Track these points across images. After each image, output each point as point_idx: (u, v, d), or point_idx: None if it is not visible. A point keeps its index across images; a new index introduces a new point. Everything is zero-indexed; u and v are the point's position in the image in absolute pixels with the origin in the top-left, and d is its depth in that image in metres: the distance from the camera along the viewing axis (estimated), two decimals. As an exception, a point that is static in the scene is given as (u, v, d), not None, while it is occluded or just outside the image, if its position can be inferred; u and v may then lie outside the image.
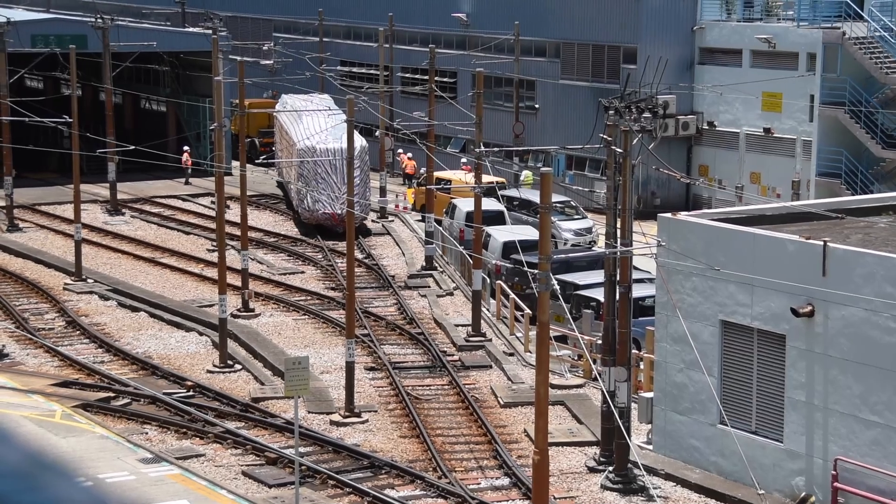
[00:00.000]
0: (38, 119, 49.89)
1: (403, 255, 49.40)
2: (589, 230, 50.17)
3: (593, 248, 46.91)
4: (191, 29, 68.83)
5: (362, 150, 50.85)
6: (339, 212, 50.72)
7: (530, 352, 36.16)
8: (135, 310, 41.93)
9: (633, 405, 29.06)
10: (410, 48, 68.21)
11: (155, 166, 60.09)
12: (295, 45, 70.61)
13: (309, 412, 32.22)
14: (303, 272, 47.21)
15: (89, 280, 45.10)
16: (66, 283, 44.96)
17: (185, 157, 62.17)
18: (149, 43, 60.99)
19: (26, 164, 61.24)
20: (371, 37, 68.07)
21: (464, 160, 59.51)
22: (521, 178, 56.31)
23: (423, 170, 54.70)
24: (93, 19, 58.28)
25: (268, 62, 63.25)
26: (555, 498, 26.44)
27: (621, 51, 58.30)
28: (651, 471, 27.57)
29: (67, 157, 51.43)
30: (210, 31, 60.68)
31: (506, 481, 27.80)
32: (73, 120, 46.34)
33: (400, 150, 64.75)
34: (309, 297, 43.54)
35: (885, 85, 49.93)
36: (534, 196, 47.67)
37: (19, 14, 66.74)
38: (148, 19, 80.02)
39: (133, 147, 48.44)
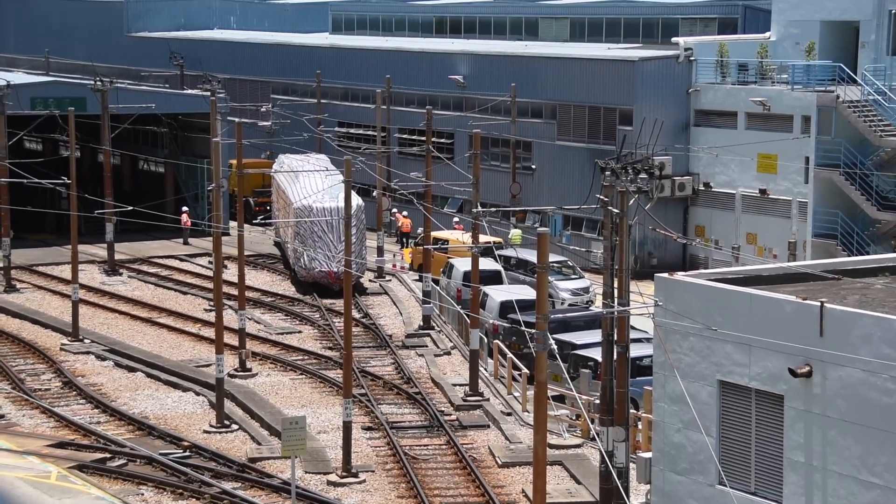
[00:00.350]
0: (37, 180, 50.05)
1: (401, 314, 49.35)
2: (586, 290, 50.16)
3: (590, 308, 46.99)
4: (189, 91, 69.15)
5: (358, 209, 51.01)
6: (336, 270, 50.80)
7: (528, 411, 36.02)
8: (131, 370, 41.81)
9: (632, 465, 28.92)
10: (408, 109, 68.48)
11: (153, 226, 60.06)
12: (293, 106, 70.97)
13: (306, 472, 32.04)
14: (300, 332, 47.12)
15: (86, 340, 44.99)
16: (62, 344, 44.85)
17: (184, 217, 62.27)
18: (147, 105, 61.32)
19: (24, 225, 61.30)
20: (368, 98, 68.38)
21: (456, 219, 59.61)
22: (510, 236, 56.41)
23: (420, 229, 54.80)
24: (92, 82, 58.60)
25: (265, 123, 63.69)
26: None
27: (617, 112, 58.55)
28: (650, 532, 27.35)
29: (65, 218, 51.54)
30: (208, 93, 61.01)
31: (504, 542, 27.60)
32: (71, 181, 46.46)
33: (395, 210, 64.90)
34: (306, 357, 43.43)
35: (879, 147, 50.17)
36: (531, 256, 47.71)
37: (19, 77, 67.14)
38: (147, 81, 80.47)
39: (131, 208, 48.55)
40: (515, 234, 57.33)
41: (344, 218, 32.58)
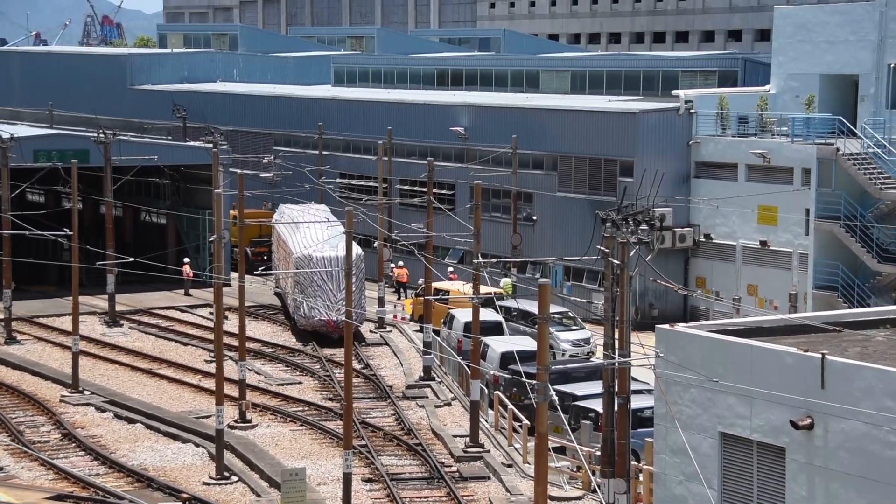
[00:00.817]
0: (39, 232, 50.04)
1: (401, 365, 49.21)
2: (587, 341, 50.08)
3: (591, 359, 46.76)
4: (192, 143, 69.31)
5: (358, 258, 51.01)
6: (336, 319, 50.80)
7: (529, 463, 35.82)
8: (131, 421, 41.63)
9: (633, 518, 28.71)
10: (409, 161, 68.62)
11: (154, 278, 60.12)
12: (295, 157, 71.09)
13: (305, 525, 31.77)
14: (300, 382, 46.98)
15: (86, 392, 44.83)
16: (62, 395, 44.67)
17: (185, 268, 62.27)
18: (150, 157, 61.41)
19: (26, 276, 61.28)
20: (370, 150, 68.56)
21: (451, 269, 59.59)
22: (500, 285, 56.35)
23: (420, 280, 54.73)
24: (95, 135, 58.78)
25: (267, 175, 63.69)
26: None
27: (618, 164, 58.62)
28: (651, 585, 27.09)
29: (67, 270, 51.54)
30: (211, 145, 61.15)
31: None
32: (73, 233, 46.47)
33: (392, 265, 64.75)
34: (306, 408, 43.28)
35: (879, 200, 50.19)
36: (532, 306, 47.64)
37: (23, 130, 67.31)
38: (149, 133, 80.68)
39: (132, 259, 48.59)
40: (506, 283, 57.31)
41: (344, 268, 32.51)
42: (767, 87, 59.84)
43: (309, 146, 74.72)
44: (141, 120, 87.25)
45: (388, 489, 34.50)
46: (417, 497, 34.20)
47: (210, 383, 43.61)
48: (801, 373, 25.14)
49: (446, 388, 45.45)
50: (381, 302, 56.38)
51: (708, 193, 56.76)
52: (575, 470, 35.36)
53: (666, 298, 57.51)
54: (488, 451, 37.71)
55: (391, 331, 55.31)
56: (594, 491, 32.92)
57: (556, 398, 21.57)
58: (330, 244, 51.21)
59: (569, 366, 42.68)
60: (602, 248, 27.29)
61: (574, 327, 51.20)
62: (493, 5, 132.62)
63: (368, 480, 35.53)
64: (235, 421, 40.71)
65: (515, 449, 37.89)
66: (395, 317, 58.11)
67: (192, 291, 62.94)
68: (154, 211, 71.46)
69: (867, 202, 50.50)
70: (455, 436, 39.40)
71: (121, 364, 49.61)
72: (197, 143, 67.40)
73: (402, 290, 63.52)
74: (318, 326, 52.27)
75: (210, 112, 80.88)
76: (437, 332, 48.88)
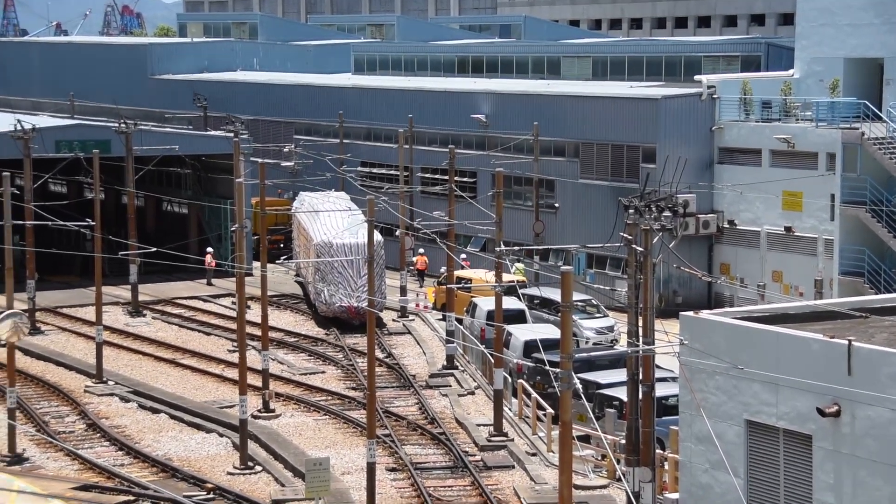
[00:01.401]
0: (62, 223, 50.20)
1: (424, 354, 49.24)
2: (611, 329, 50.04)
3: (615, 347, 46.71)
4: (212, 132, 69.42)
5: (378, 244, 51.04)
6: (356, 305, 50.95)
7: (553, 452, 35.80)
8: (155, 411, 41.77)
9: (658, 506, 28.67)
10: (430, 149, 68.58)
11: (176, 267, 60.25)
12: (316, 146, 71.12)
13: (330, 515, 31.84)
14: (323, 372, 47.05)
15: (110, 382, 45.00)
16: (86, 386, 44.86)
17: (207, 258, 62.39)
18: (171, 147, 61.54)
19: (49, 267, 61.51)
20: (391, 138, 68.51)
21: (463, 255, 59.51)
22: (513, 271, 56.17)
23: (443, 269, 54.76)
24: (116, 125, 58.91)
25: (288, 164, 63.84)
26: None
27: (640, 150, 58.48)
28: (677, 574, 27.04)
29: (90, 260, 51.67)
30: (232, 134, 61.23)
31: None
32: (95, 223, 46.62)
33: (419, 251, 64.83)
34: (329, 398, 43.34)
35: (905, 184, 49.93)
36: (555, 295, 47.59)
37: (44, 121, 67.53)
38: (170, 123, 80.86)
39: (155, 249, 48.72)
40: (517, 269, 57.19)
41: (366, 257, 32.50)
42: (791, 71, 59.57)
43: (329, 135, 74.73)
44: (162, 110, 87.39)
45: (412, 478, 34.55)
46: (441, 486, 34.24)
47: (233, 373, 43.70)
48: (827, 360, 25.02)
49: (469, 376, 45.44)
50: (403, 291, 56.35)
51: (732, 179, 56.56)
52: (600, 458, 35.32)
53: (690, 285, 57.39)
54: (512, 440, 37.70)
55: (413, 319, 55.34)
56: (619, 479, 32.89)
57: (580, 386, 21.48)
58: (350, 232, 51.35)
59: (592, 354, 42.64)
60: (625, 235, 27.11)
61: (597, 315, 51.18)
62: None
63: (392, 470, 35.57)
64: (259, 411, 40.79)
65: (539, 438, 37.89)
66: (417, 305, 58.15)
67: (214, 281, 63.05)
68: (176, 201, 71.70)
69: (893, 187, 50.20)
70: (479, 425, 39.40)
71: (144, 354, 49.76)
72: (218, 133, 67.50)
73: (422, 277, 63.45)
74: (338, 313, 52.50)
75: (230, 101, 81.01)
76: (459, 321, 48.85)
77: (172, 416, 41.13)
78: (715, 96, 58.21)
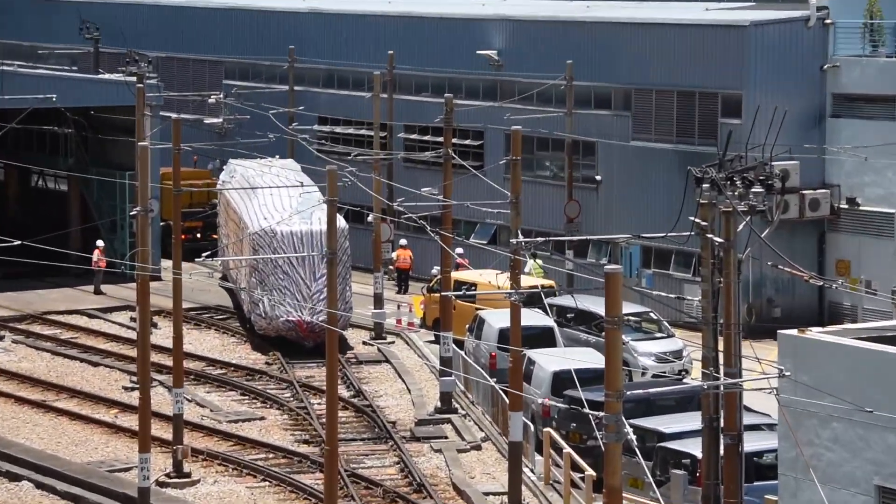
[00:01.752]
0: None
1: (409, 391, 49.47)
2: (678, 354, 50.10)
3: (684, 381, 46.91)
4: (106, 76, 69.42)
5: (341, 233, 50.82)
6: (310, 320, 51.39)
7: (594, 534, 35.55)
8: (15, 478, 41.63)
9: None
10: (418, 98, 68.93)
11: (50, 268, 59.94)
12: (255, 96, 71.18)
13: None
14: (262, 418, 47.16)
15: (-51, 435, 44.81)
16: None
17: (95, 254, 62.26)
18: (47, 96, 61.31)
19: None
20: (362, 84, 68.48)
21: (459, 250, 59.53)
22: (526, 270, 56.26)
23: (434, 269, 54.56)
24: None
25: (215, 120, 63.44)
26: None
27: (720, 99, 58.78)
28: None
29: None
30: (134, 78, 60.94)
31: None
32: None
33: (392, 250, 64.67)
34: (271, 455, 43.43)
35: None
36: (596, 306, 47.32)
37: None
38: (46, 62, 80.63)
39: (18, 242, 48.19)
40: (534, 267, 57.22)
41: (325, 253, 32.21)
42: (938, -15, 59.63)
43: (275, 80, 74.88)
44: (34, 43, 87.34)
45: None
46: (432, 584, 33.95)
47: (131, 421, 43.69)
48: None
49: (473, 423, 45.64)
50: (378, 301, 56.15)
51: (852, 139, 56.65)
52: (661, 542, 35.14)
53: (792, 291, 57.75)
54: (535, 516, 37.56)
55: (394, 342, 55.54)
56: (690, 573, 32.81)
57: (633, 437, 21.49)
58: (302, 216, 51.39)
59: (652, 390, 42.56)
60: (697, 220, 27.18)
61: (658, 335, 51.42)
62: None
63: (361, 560, 35.35)
64: (168, 475, 40.81)
65: (574, 512, 37.54)
66: (398, 322, 58.00)
67: (104, 288, 63.21)
68: (51, 173, 71.48)
69: None
70: (487, 494, 39.57)
71: (1, 394, 49.46)
72: (113, 77, 67.31)
73: (403, 280, 63.28)
74: (283, 330, 52.98)
75: (133, 31, 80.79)
76: (459, 344, 48.87)
77: (39, 486, 41.00)
78: (827, 21, 58.29)
